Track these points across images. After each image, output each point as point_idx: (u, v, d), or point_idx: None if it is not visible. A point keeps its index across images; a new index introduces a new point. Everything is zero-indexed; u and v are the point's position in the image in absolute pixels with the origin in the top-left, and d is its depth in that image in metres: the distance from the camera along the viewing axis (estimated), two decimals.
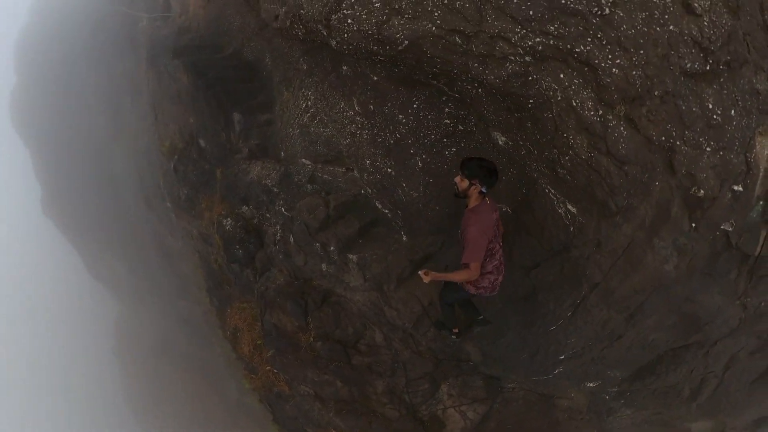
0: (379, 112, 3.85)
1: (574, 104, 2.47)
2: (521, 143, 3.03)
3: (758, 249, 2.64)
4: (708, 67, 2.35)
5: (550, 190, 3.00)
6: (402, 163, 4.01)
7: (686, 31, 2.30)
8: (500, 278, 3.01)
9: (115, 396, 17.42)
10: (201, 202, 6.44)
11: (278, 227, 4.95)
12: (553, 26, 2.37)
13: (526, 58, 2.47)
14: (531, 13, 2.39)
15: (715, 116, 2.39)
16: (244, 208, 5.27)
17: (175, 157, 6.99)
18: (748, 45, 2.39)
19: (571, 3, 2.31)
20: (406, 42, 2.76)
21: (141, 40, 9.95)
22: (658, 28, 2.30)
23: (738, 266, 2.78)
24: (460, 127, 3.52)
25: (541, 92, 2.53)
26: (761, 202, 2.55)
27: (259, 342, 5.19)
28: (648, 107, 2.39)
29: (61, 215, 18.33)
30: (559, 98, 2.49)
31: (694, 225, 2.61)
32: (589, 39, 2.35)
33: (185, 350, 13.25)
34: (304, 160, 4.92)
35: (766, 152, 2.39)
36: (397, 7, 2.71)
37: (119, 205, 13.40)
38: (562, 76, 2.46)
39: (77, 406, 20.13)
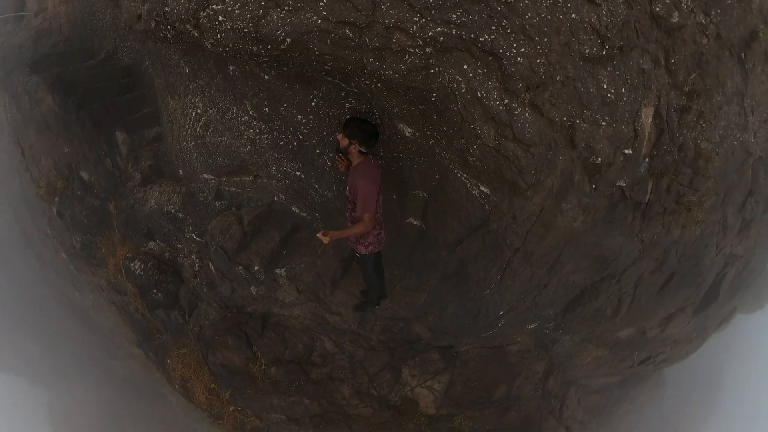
0: (276, 114, 3.96)
1: (480, 95, 2.70)
2: (428, 133, 3.24)
3: (647, 197, 3.64)
4: (604, 52, 2.83)
5: (462, 175, 3.33)
6: (310, 165, 4.16)
7: (586, 19, 2.72)
8: (383, 233, 3.65)
9: None
10: (100, 246, 6.24)
11: (194, 257, 4.97)
12: (455, 14, 2.51)
13: (427, 50, 2.58)
14: (431, 0, 2.49)
15: (609, 95, 2.95)
16: (151, 243, 5.21)
17: (56, 199, 6.64)
18: (637, 31, 2.93)
19: None
20: (289, 40, 2.67)
21: None
22: (561, 16, 2.66)
23: (633, 212, 3.73)
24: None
25: (444, 85, 2.69)
26: (647, 160, 3.44)
27: (212, 386, 5.28)
28: (550, 92, 2.79)
29: None
30: (464, 90, 2.69)
31: (594, 186, 3.35)
32: (494, 27, 2.56)
33: (136, 412, 12.83)
34: (205, 175, 4.94)
35: (649, 120, 3.19)
36: None
37: (7, 272, 12.38)
38: (465, 67, 2.64)
39: None
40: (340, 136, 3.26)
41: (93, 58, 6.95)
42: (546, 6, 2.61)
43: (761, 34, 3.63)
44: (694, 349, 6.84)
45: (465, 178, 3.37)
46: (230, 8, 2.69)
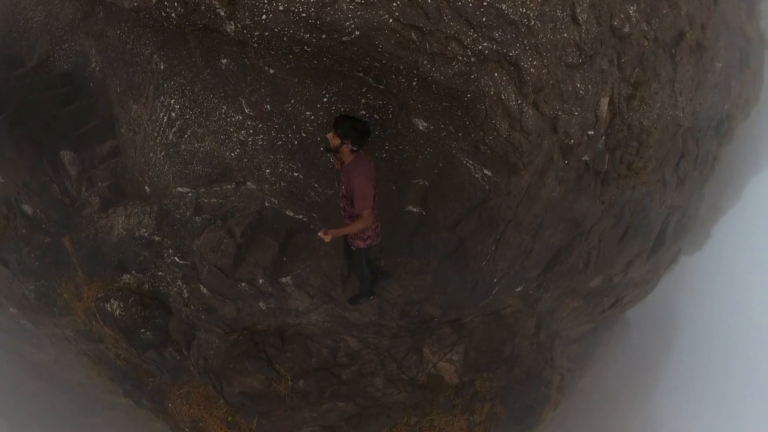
0: (279, 111, 3.54)
1: (503, 97, 3.23)
2: (443, 127, 3.53)
3: (605, 166, 4.54)
4: (580, 60, 3.56)
5: (468, 162, 3.72)
6: (311, 163, 3.82)
7: (572, 37, 3.42)
8: (378, 225, 3.64)
9: None
10: (60, 291, 5.41)
11: (180, 282, 4.35)
12: (497, 33, 3.01)
13: (472, 59, 3.02)
14: (484, 19, 2.92)
15: (580, 91, 3.67)
16: (125, 276, 4.52)
17: None
18: (601, 42, 3.71)
19: (512, 13, 2.99)
20: (357, 33, 2.77)
21: None
22: (558, 36, 3.31)
23: (594, 180, 4.55)
24: (376, 116, 3.54)
25: (479, 88, 3.13)
26: (603, 138, 4.28)
27: (230, 418, 4.77)
28: (545, 93, 3.43)
29: None
30: (492, 93, 3.18)
31: (567, 162, 4.06)
32: (518, 45, 3.11)
33: None
34: (180, 188, 4.29)
35: (605, 107, 4.04)
36: None
37: None
38: (496, 74, 3.16)
39: None
40: (330, 136, 3.10)
41: (22, 65, 5.94)
42: (550, 28, 3.23)
43: (687, 35, 4.70)
44: (651, 289, 8.10)
45: (470, 164, 3.71)
46: None
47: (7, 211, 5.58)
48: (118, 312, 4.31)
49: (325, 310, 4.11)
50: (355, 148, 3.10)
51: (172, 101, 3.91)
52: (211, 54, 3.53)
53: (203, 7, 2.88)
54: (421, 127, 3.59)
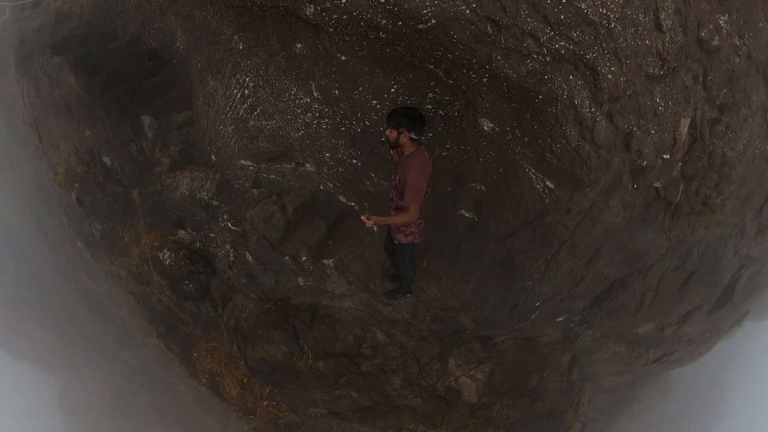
0: (346, 98, 3.31)
1: (576, 102, 2.81)
2: (509, 130, 3.14)
3: (678, 197, 3.79)
4: (662, 72, 3.04)
5: (530, 170, 3.27)
6: (370, 153, 3.56)
7: (654, 45, 2.93)
8: (422, 224, 3.30)
9: None
10: (122, 235, 5.35)
11: (228, 246, 4.19)
12: (575, 33, 2.62)
13: (547, 58, 2.65)
14: (562, 17, 2.56)
15: (659, 107, 3.15)
16: (181, 232, 4.39)
17: (76, 185, 5.72)
18: (686, 54, 3.15)
19: (591, 14, 2.59)
20: (434, 21, 2.49)
21: (5, 38, 7.95)
22: (639, 42, 2.84)
23: (664, 211, 3.83)
24: (441, 112, 3.25)
25: (552, 91, 2.74)
26: (680, 164, 3.62)
27: (245, 380, 4.53)
28: (621, 104, 2.97)
29: None
30: (565, 96, 2.78)
31: (635, 186, 3.48)
32: (596, 48, 2.71)
33: (148, 402, 11.88)
34: (243, 161, 4.15)
35: (685, 129, 3.41)
36: None
37: (19, 260, 11.30)
38: (571, 77, 2.75)
39: None
40: (388, 131, 2.86)
41: (116, 40, 5.99)
42: (631, 33, 2.77)
43: None
44: (706, 350, 6.62)
45: (533, 173, 3.26)
46: None
47: (90, 159, 5.59)
48: (168, 262, 4.17)
49: (360, 298, 3.85)
50: (413, 136, 2.79)
51: (247, 79, 3.76)
52: (287, 38, 3.38)
53: None
54: (486, 128, 3.21)
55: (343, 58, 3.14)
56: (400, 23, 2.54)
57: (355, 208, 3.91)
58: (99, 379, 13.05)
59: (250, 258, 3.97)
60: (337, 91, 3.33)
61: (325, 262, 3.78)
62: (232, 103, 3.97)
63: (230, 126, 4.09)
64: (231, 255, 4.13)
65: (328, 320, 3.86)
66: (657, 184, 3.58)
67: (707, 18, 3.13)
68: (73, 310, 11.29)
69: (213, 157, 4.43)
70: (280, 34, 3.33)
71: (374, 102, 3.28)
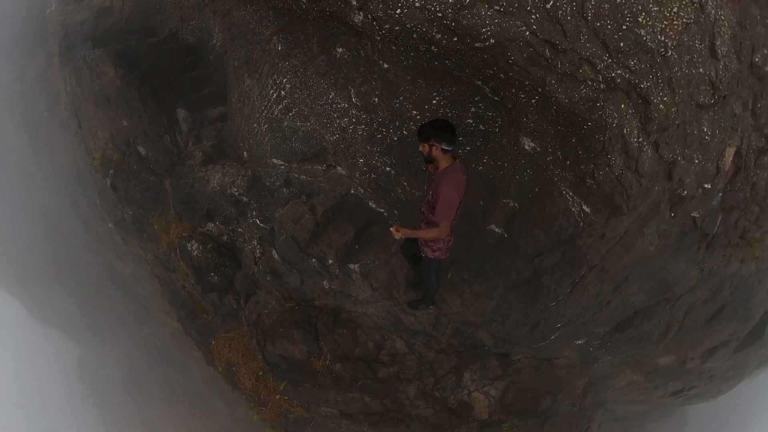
0: (386, 106, 3.12)
1: (624, 132, 2.63)
2: (550, 151, 2.93)
3: (715, 228, 3.54)
4: (713, 101, 2.80)
5: (568, 193, 3.08)
6: (404, 162, 3.37)
7: (707, 73, 2.70)
8: (452, 240, 3.12)
9: None
10: (152, 222, 5.25)
11: (255, 242, 4.04)
12: (633, 61, 2.44)
13: (602, 86, 2.48)
14: (621, 44, 2.39)
15: (706, 137, 2.92)
16: (210, 225, 4.26)
17: (111, 172, 5.64)
18: (738, 81, 2.90)
19: (650, 41, 2.41)
20: (492, 41, 2.31)
21: (51, 30, 7.95)
22: (693, 70, 2.62)
23: (699, 241, 3.58)
24: (482, 127, 3.05)
25: (602, 119, 2.57)
26: (720, 194, 3.38)
27: (261, 373, 4.38)
28: (668, 133, 2.77)
29: None
30: (614, 125, 2.60)
31: (673, 214, 3.25)
32: (651, 76, 2.51)
33: (160, 379, 11.88)
34: (275, 159, 3.99)
35: (730, 159, 3.18)
36: None
37: (53, 235, 11.36)
38: (622, 106, 2.57)
39: None
40: (420, 147, 2.68)
41: (155, 36, 5.93)
42: (686, 61, 2.58)
43: None
44: (727, 388, 6.11)
45: (570, 195, 3.06)
46: None
47: (126, 148, 5.51)
48: (195, 253, 4.04)
49: (383, 306, 3.66)
50: (445, 147, 2.60)
51: (284, 80, 3.58)
52: (328, 42, 3.18)
53: None
54: (527, 147, 3.01)
55: (386, 66, 2.95)
56: (455, 39, 2.36)
57: (384, 214, 3.72)
58: (117, 351, 13.12)
59: (276, 256, 3.81)
60: (376, 99, 3.15)
61: (351, 266, 3.61)
62: (268, 103, 3.81)
63: (264, 125, 3.93)
64: (257, 251, 3.98)
65: (349, 324, 3.69)
66: (695, 214, 3.36)
67: (762, 42, 2.89)
68: (99, 285, 11.34)
69: (245, 153, 4.28)
70: (320, 37, 3.15)
71: (414, 112, 3.10)
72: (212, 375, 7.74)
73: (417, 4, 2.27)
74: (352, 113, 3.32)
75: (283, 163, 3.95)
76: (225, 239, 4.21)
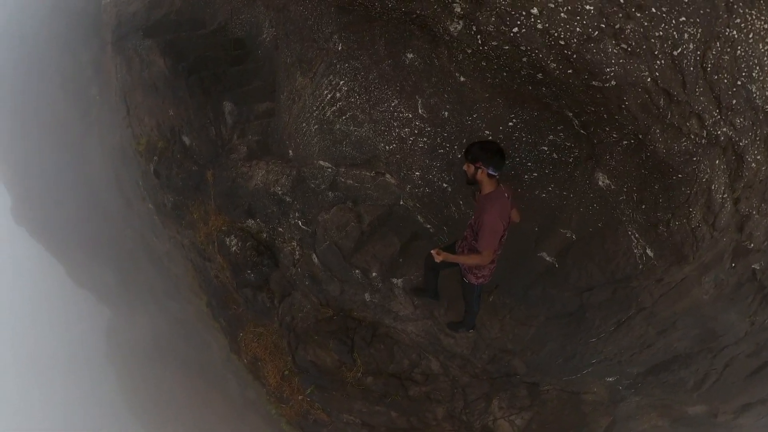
0: (455, 122, 2.73)
1: (712, 187, 2.41)
2: (626, 191, 2.61)
3: None
4: None
5: (634, 235, 2.75)
6: (464, 180, 2.97)
7: None
8: (495, 267, 2.82)
9: (115, 401, 15.74)
10: (192, 211, 4.98)
11: (295, 244, 3.70)
12: (740, 119, 2.20)
13: (703, 141, 2.25)
14: (734, 101, 2.14)
15: None
16: (250, 221, 3.93)
17: (155, 158, 5.39)
18: None
19: (758, 97, 2.15)
20: (614, 82, 2.00)
21: (106, 19, 7.80)
22: None
23: (755, 294, 3.24)
24: (555, 155, 2.68)
25: (694, 173, 2.33)
26: None
27: (286, 372, 4.06)
28: (751, 189, 2.53)
29: (34, 223, 15.67)
30: (704, 180, 2.37)
31: (734, 265, 2.96)
32: (750, 134, 2.29)
33: (182, 352, 11.87)
34: (322, 161, 3.63)
35: None
36: (618, 27, 1.86)
37: (97, 207, 11.40)
38: (717, 162, 2.35)
39: (75, 415, 18.23)
40: (465, 166, 2.40)
41: (204, 28, 5.64)
42: None
43: None
44: None
45: (636, 238, 2.75)
46: (556, 8, 1.85)
47: (170, 137, 5.26)
48: (234, 249, 3.73)
49: (423, 324, 3.30)
50: (491, 172, 2.32)
51: (341, 82, 3.18)
52: (397, 45, 2.78)
53: (437, 4, 2.08)
54: (600, 183, 2.64)
55: (463, 79, 2.55)
56: (570, 72, 2.01)
57: (431, 230, 3.33)
58: (145, 320, 13.21)
59: (316, 261, 3.46)
60: (446, 113, 2.75)
61: (394, 281, 3.24)
62: (320, 104, 3.43)
63: (314, 125, 3.55)
64: (297, 253, 3.64)
65: (387, 340, 3.33)
66: (756, 266, 3.08)
67: None
68: (134, 257, 11.34)
69: (290, 152, 3.92)
70: (389, 40, 2.74)
71: (486, 132, 2.70)
72: (229, 356, 7.55)
73: (539, 26, 1.89)
74: (416, 124, 2.93)
75: (330, 165, 3.58)
76: (264, 237, 3.89)
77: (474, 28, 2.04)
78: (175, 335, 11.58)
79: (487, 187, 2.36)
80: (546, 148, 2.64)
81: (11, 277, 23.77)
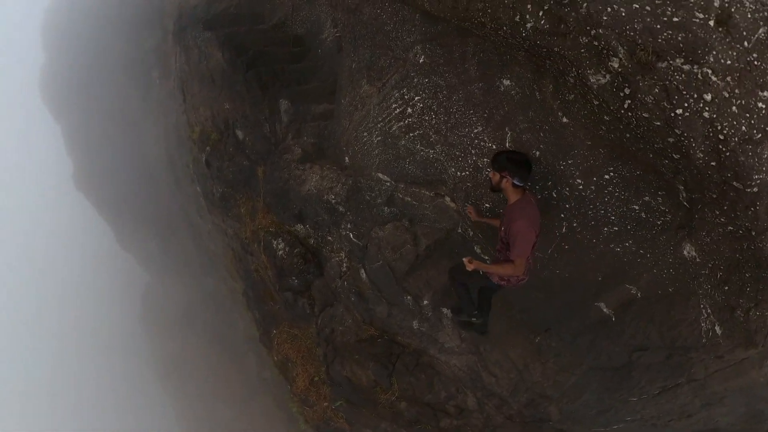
0: (546, 163, 2.39)
1: None
2: (710, 267, 2.27)
3: None
4: None
5: (705, 308, 2.44)
6: (541, 224, 2.64)
7: None
8: (527, 278, 2.59)
9: (141, 356, 16.79)
10: (239, 204, 4.90)
11: (343, 255, 3.48)
12: None
13: None
14: None
15: None
16: (299, 226, 3.76)
17: (208, 149, 5.33)
18: None
19: None
20: (755, 189, 1.76)
21: (168, 10, 7.92)
22: None
23: None
24: (644, 215, 2.32)
25: None
26: None
27: (316, 378, 3.93)
28: None
29: (92, 190, 16.69)
30: None
31: None
32: None
33: (210, 324, 12.29)
34: (381, 174, 3.33)
35: None
36: None
37: (149, 181, 11.86)
38: None
39: (105, 369, 19.69)
40: (491, 173, 2.31)
41: (263, 23, 5.41)
42: None
43: None
44: None
45: (707, 313, 2.43)
46: (729, 98, 1.58)
47: (224, 129, 5.15)
48: (281, 253, 3.56)
49: (467, 359, 3.02)
50: (516, 182, 2.22)
51: (416, 98, 2.84)
52: (492, 68, 2.38)
53: (589, 39, 1.67)
54: (686, 254, 2.31)
55: (566, 120, 2.17)
56: (713, 165, 1.70)
57: (488, 262, 3.00)
58: (179, 289, 13.76)
59: (364, 277, 3.23)
60: (537, 152, 2.37)
61: (445, 311, 2.94)
62: (387, 116, 3.10)
63: (376, 137, 3.27)
64: (344, 265, 3.42)
65: (429, 370, 3.06)
66: None
67: None
68: (177, 231, 11.71)
69: (347, 159, 3.66)
70: (483, 60, 2.35)
71: (578, 181, 2.31)
72: (251, 333, 7.64)
73: (705, 115, 1.60)
74: None
75: (389, 180, 3.28)
76: (311, 242, 3.69)
77: (626, 91, 1.68)
78: (205, 308, 11.97)
79: (513, 196, 2.26)
80: (637, 207, 2.26)
81: (67, 235, 25.79)
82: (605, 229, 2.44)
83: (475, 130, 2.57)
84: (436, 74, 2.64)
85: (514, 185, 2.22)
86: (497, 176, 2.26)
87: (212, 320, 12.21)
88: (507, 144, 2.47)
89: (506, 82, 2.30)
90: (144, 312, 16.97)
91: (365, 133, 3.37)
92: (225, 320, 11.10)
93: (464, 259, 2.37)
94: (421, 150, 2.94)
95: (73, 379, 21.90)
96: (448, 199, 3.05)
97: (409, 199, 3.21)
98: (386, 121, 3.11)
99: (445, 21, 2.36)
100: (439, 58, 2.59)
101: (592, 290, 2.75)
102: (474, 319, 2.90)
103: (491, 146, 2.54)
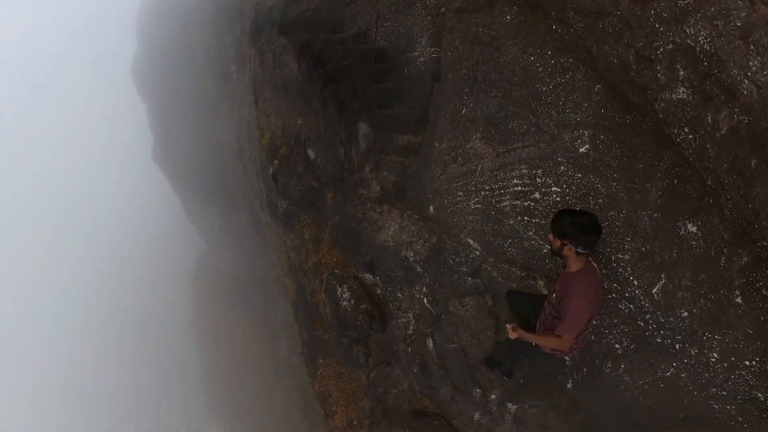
0: (687, 326, 1.91)
1: None
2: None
3: None
4: None
5: None
6: (639, 349, 2.18)
7: None
8: (582, 345, 2.24)
9: (185, 319, 18.91)
10: (303, 225, 4.84)
11: (411, 317, 3.20)
12: None
13: None
14: None
15: None
16: (368, 276, 3.53)
17: (276, 162, 5.27)
18: None
19: None
20: None
21: (246, 10, 7.97)
22: None
23: None
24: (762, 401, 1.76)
25: None
26: None
27: (356, 422, 3.78)
28: None
29: (167, 162, 18.68)
30: None
31: None
32: None
33: (252, 301, 13.12)
34: (471, 241, 2.94)
35: None
36: None
37: (219, 164, 12.73)
38: None
39: (151, 322, 22.72)
40: (551, 236, 1.97)
41: (342, 31, 4.74)
42: None
43: None
44: None
45: None
46: None
47: (294, 145, 5.01)
48: (344, 303, 3.39)
49: None
50: (580, 250, 1.88)
51: (554, 188, 2.28)
52: (682, 204, 1.82)
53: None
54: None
55: (739, 301, 1.71)
56: None
57: (568, 362, 2.49)
58: (232, 265, 14.87)
59: (431, 347, 2.93)
60: (686, 313, 1.86)
61: (509, 405, 2.59)
62: (499, 189, 2.58)
63: (475, 204, 2.83)
64: (410, 329, 3.15)
65: None
66: None
67: None
68: (239, 212, 12.45)
69: (431, 209, 3.26)
70: (674, 189, 1.78)
71: (714, 354, 1.86)
72: (288, 319, 7.83)
73: None
74: (639, 301, 2.06)
75: (479, 249, 2.86)
76: (378, 292, 3.46)
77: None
78: (251, 286, 12.78)
79: (574, 264, 1.94)
80: (761, 396, 1.80)
81: (142, 201, 29.73)
82: (713, 390, 1.92)
83: (621, 257, 2.05)
84: (597, 175, 2.05)
85: (577, 253, 1.89)
86: (558, 242, 1.94)
87: (254, 299, 13.00)
88: (653, 289, 1.93)
89: (691, 228, 1.77)
90: (197, 276, 18.80)
91: (460, 193, 2.95)
92: (267, 302, 11.73)
93: (507, 326, 2.16)
94: (533, 239, 2.49)
95: (121, 319, 25.65)
96: (540, 282, 2.55)
97: (497, 274, 2.79)
98: (496, 192, 2.63)
99: (645, 112, 1.74)
100: (611, 158, 1.98)
101: (667, 422, 2.25)
102: (506, 378, 2.66)
103: (633, 282, 2.02)
